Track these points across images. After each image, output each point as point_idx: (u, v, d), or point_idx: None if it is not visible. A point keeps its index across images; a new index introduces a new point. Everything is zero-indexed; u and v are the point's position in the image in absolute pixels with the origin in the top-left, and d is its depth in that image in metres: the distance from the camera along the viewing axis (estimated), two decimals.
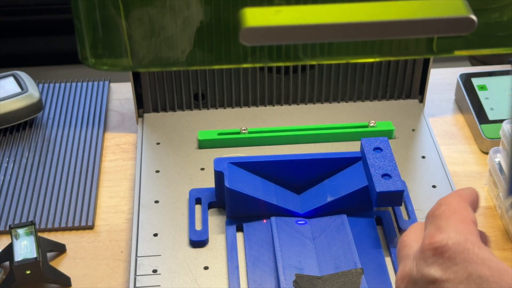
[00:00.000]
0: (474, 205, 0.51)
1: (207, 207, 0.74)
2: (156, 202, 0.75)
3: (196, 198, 0.75)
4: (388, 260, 0.69)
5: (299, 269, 0.66)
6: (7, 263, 0.69)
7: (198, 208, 0.74)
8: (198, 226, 0.72)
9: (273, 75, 0.87)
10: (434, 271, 0.45)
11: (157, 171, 0.79)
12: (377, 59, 0.82)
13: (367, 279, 0.65)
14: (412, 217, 0.73)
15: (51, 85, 0.95)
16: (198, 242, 0.70)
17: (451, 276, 0.44)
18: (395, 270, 0.66)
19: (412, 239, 0.50)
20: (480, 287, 0.43)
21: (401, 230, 0.72)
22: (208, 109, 0.88)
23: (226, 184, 0.70)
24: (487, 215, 0.76)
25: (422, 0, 0.56)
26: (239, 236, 0.72)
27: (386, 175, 0.69)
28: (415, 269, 0.46)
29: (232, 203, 0.71)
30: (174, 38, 0.76)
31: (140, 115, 0.87)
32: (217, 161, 0.72)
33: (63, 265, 0.71)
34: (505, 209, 0.74)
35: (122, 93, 0.94)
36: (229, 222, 0.72)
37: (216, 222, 0.73)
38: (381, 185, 0.68)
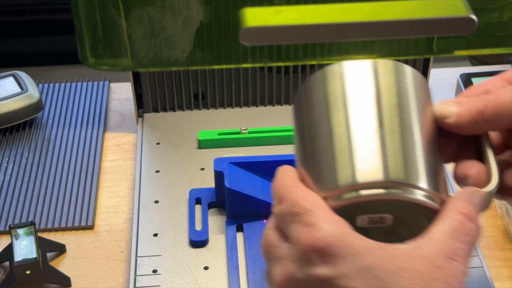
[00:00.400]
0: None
1: (207, 207, 0.74)
2: (156, 202, 0.75)
3: (196, 198, 0.75)
4: None
5: None
6: (7, 263, 0.69)
7: (198, 208, 0.74)
8: (198, 226, 0.72)
9: (273, 75, 0.87)
10: (325, 270, 0.44)
11: (157, 171, 0.79)
12: (377, 59, 0.82)
13: None
14: None
15: (51, 85, 0.95)
16: (198, 242, 0.70)
17: (342, 272, 0.43)
18: None
19: (275, 238, 0.48)
20: (372, 276, 0.43)
21: None
22: (208, 109, 0.88)
23: (226, 184, 0.70)
24: (487, 215, 0.76)
25: (422, 0, 0.56)
26: (239, 236, 0.71)
27: None
28: (301, 272, 0.45)
29: (232, 203, 0.71)
30: (174, 38, 0.76)
31: (140, 115, 0.87)
32: (217, 161, 0.72)
33: (63, 265, 0.71)
34: None
35: (122, 93, 0.94)
36: (229, 222, 0.72)
37: (216, 222, 0.73)
38: None
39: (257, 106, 0.88)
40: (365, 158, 0.46)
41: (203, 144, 0.82)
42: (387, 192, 0.46)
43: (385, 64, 0.50)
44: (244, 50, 0.77)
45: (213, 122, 0.86)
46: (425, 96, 0.50)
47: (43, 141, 0.86)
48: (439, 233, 0.46)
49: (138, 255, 0.69)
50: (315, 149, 0.49)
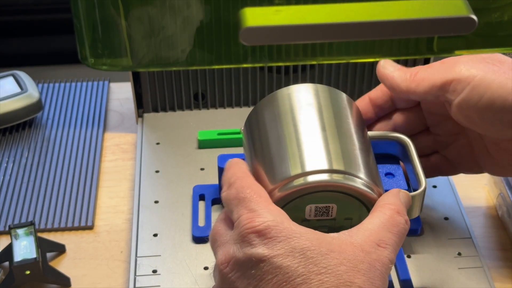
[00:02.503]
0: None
1: (210, 203, 0.74)
2: (156, 202, 0.75)
3: (199, 195, 0.74)
4: None
5: None
6: (7, 263, 0.69)
7: (201, 204, 0.74)
8: (201, 222, 0.72)
9: (273, 75, 0.86)
10: (262, 250, 0.49)
11: (157, 171, 0.79)
12: (377, 59, 0.82)
13: None
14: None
15: (51, 85, 0.95)
16: (201, 238, 0.70)
17: (277, 252, 0.49)
18: (395, 267, 0.66)
19: (223, 228, 0.54)
20: (304, 256, 0.48)
21: None
22: (208, 109, 0.88)
23: None
24: (487, 215, 0.76)
25: (423, 0, 0.56)
26: None
27: (389, 174, 0.68)
28: (241, 252, 0.50)
29: None
30: (174, 38, 0.76)
31: (140, 115, 0.87)
32: (221, 158, 0.72)
33: (63, 265, 0.71)
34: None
35: (121, 93, 0.94)
36: None
37: None
38: (384, 184, 0.68)
39: None
40: (312, 153, 0.55)
41: (203, 144, 0.82)
42: (330, 179, 0.53)
43: (323, 87, 0.61)
44: (244, 50, 0.77)
45: (213, 122, 0.85)
46: (357, 114, 0.61)
47: (42, 141, 0.86)
48: (370, 224, 0.52)
49: (138, 255, 0.69)
50: (267, 153, 0.57)
